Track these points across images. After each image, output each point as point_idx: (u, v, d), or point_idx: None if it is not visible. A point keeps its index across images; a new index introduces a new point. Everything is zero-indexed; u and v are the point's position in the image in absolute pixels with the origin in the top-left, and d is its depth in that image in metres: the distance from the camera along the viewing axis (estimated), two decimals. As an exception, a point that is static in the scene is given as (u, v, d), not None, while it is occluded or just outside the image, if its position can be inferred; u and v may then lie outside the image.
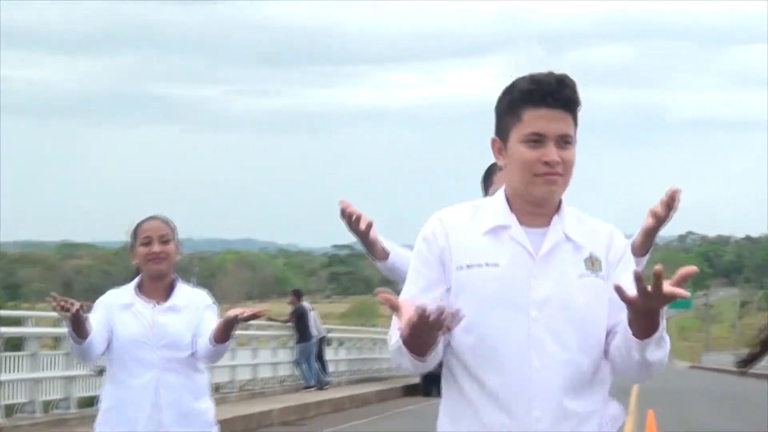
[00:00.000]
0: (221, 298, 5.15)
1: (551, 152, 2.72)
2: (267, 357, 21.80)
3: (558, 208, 2.81)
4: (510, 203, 2.81)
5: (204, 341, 4.80)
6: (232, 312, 4.72)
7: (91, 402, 14.71)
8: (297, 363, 22.13)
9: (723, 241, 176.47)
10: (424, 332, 2.57)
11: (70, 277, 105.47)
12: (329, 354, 24.45)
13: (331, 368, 23.95)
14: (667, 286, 2.56)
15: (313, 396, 19.83)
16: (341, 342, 26.83)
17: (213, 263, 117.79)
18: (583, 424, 2.77)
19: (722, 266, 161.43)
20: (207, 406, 4.97)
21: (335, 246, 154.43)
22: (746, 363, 5.26)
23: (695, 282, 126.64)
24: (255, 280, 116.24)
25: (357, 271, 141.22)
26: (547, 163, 2.73)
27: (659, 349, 2.69)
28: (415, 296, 2.76)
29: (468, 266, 2.75)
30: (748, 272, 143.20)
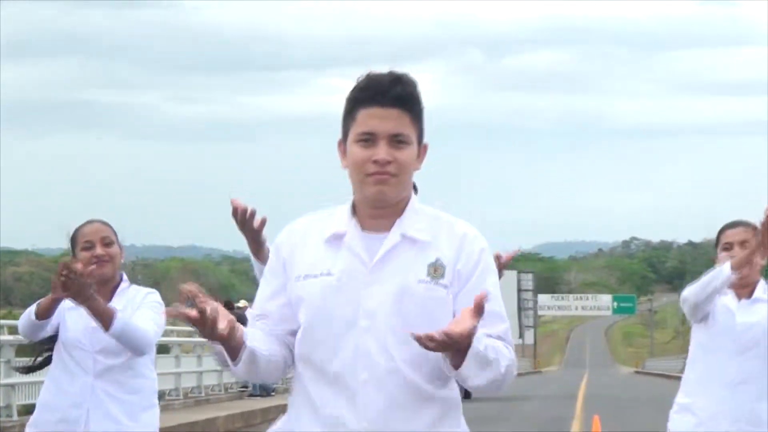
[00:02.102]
0: (166, 306, 5.00)
1: (380, 151, 2.65)
2: (212, 364, 21.60)
3: (403, 209, 2.73)
4: (355, 208, 2.75)
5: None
6: (55, 278, 4.40)
7: (32, 410, 14.52)
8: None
9: (666, 246, 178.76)
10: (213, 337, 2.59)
11: (10, 285, 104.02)
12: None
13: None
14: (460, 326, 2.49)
15: (259, 403, 19.71)
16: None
17: (157, 271, 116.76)
18: None
19: (665, 272, 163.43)
20: (146, 421, 4.73)
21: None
22: None
23: (639, 287, 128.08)
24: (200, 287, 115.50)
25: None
26: (376, 162, 2.66)
27: (483, 371, 2.57)
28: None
29: (305, 277, 2.71)
30: (691, 278, 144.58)
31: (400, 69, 2.72)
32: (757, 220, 4.67)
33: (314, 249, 2.73)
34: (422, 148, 2.77)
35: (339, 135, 2.78)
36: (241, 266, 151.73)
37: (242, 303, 22.84)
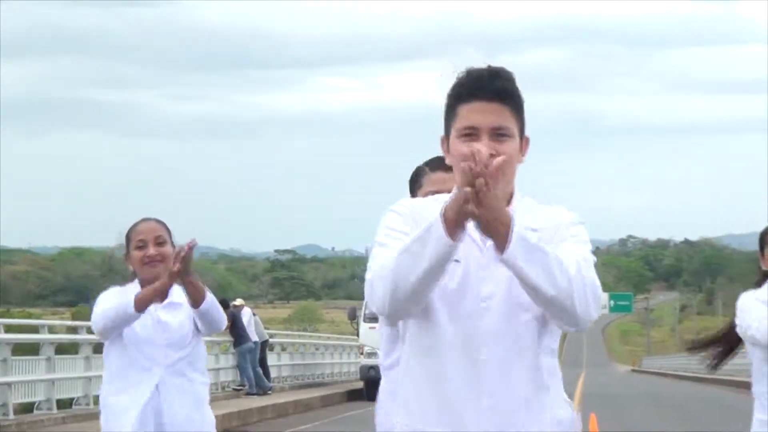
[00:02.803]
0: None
1: (482, 146, 2.66)
2: (209, 363, 21.60)
3: (509, 201, 2.78)
4: None
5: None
6: (169, 268, 4.54)
7: (30, 408, 14.49)
8: (239, 368, 21.99)
9: (663, 244, 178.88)
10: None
11: (6, 283, 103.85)
12: (272, 359, 24.32)
13: (273, 373, 23.82)
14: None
15: (256, 401, 19.69)
16: (284, 347, 26.70)
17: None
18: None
19: (662, 270, 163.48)
20: (209, 416, 4.85)
21: (277, 251, 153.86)
22: (716, 365, 5.33)
23: (636, 286, 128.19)
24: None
25: (299, 276, 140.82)
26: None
27: (533, 262, 2.57)
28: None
29: None
30: (688, 276, 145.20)
31: (497, 63, 2.76)
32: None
33: None
34: (524, 141, 2.80)
35: (441, 132, 2.82)
36: (238, 265, 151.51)
37: (239, 301, 22.81)
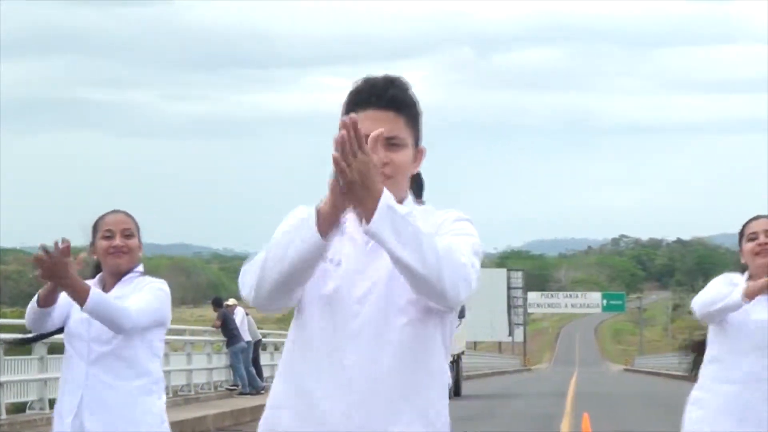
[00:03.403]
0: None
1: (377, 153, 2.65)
2: (202, 362, 21.60)
3: (401, 203, 2.73)
4: None
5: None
6: (36, 272, 4.40)
7: (22, 408, 14.46)
8: (232, 367, 21.98)
9: (655, 244, 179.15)
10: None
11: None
12: (265, 359, 24.31)
13: (266, 373, 23.81)
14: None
15: (249, 401, 19.67)
16: (276, 347, 26.69)
17: (146, 269, 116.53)
18: None
19: (655, 269, 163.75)
20: (144, 408, 4.65)
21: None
22: (693, 369, 5.36)
23: (628, 285, 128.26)
24: (189, 286, 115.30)
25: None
26: None
27: (400, 237, 2.52)
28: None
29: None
30: (680, 275, 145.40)
31: (394, 72, 2.76)
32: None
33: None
34: (418, 152, 2.80)
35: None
36: (231, 264, 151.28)
37: (231, 301, 22.80)
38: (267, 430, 2.80)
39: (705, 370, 4.99)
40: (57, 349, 15.24)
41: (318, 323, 2.72)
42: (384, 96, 2.71)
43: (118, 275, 4.69)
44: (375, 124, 2.69)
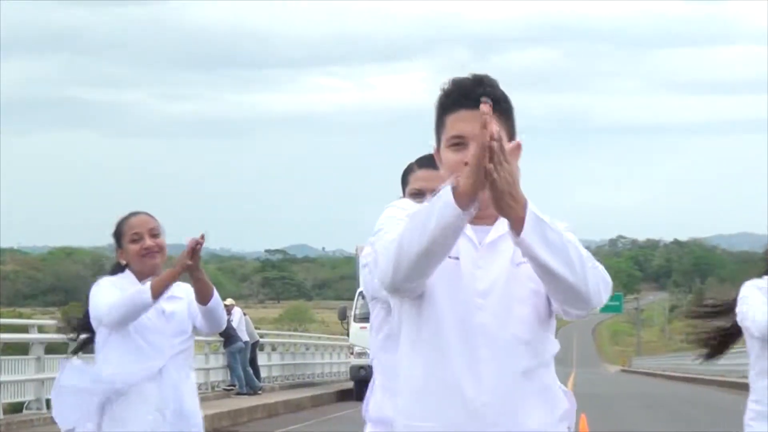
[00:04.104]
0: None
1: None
2: (199, 362, 21.60)
3: None
4: None
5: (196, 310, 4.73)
6: (183, 260, 4.51)
7: (19, 408, 14.46)
8: (230, 367, 21.98)
9: (652, 245, 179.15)
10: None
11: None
12: (262, 359, 24.30)
13: (264, 373, 23.80)
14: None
15: (246, 401, 19.67)
16: (274, 347, 26.68)
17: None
18: None
19: (652, 270, 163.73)
20: (197, 403, 4.86)
21: (268, 251, 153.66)
22: (711, 356, 5.31)
23: (625, 285, 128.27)
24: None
25: (290, 276, 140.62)
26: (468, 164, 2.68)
27: (547, 244, 2.57)
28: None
29: None
30: (677, 276, 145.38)
31: (487, 64, 2.80)
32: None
33: None
34: (515, 146, 2.79)
35: (431, 133, 2.84)
36: (228, 264, 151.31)
37: (229, 301, 22.78)
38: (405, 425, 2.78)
39: (761, 383, 4.88)
40: (54, 349, 15.25)
41: (445, 315, 2.72)
42: (474, 95, 2.70)
43: (151, 275, 4.70)
44: (468, 124, 2.70)
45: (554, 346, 2.84)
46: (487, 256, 2.75)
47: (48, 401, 14.58)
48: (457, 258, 2.73)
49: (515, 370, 2.73)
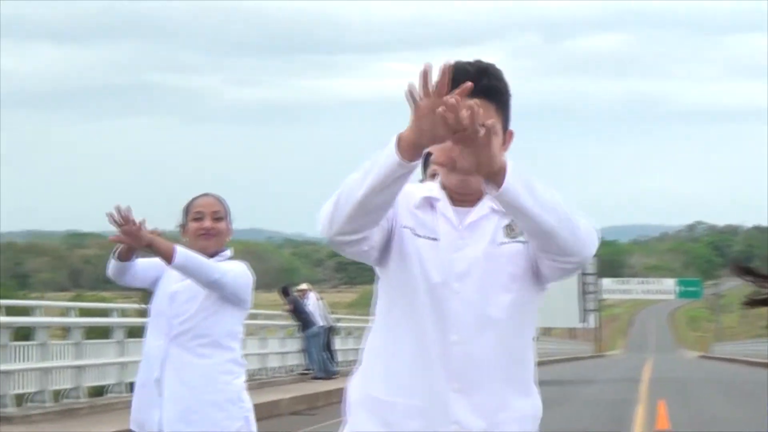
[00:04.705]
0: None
1: None
2: (275, 346, 21.78)
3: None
4: (442, 186, 2.81)
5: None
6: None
7: (101, 391, 14.73)
8: (306, 352, 22.15)
9: (732, 230, 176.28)
10: None
11: (78, 267, 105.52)
12: (337, 343, 24.44)
13: (339, 358, 23.94)
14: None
15: (322, 385, 19.80)
16: (349, 332, 26.81)
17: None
18: None
19: (732, 256, 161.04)
20: (222, 387, 4.72)
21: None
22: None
23: (704, 272, 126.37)
24: (261, 271, 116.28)
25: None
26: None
27: (533, 194, 2.52)
28: None
29: (412, 230, 2.75)
30: (758, 262, 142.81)
31: (485, 59, 2.75)
32: None
33: (412, 209, 2.77)
34: (507, 135, 2.79)
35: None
36: (303, 249, 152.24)
37: (304, 286, 22.95)
38: (363, 403, 2.79)
39: None
40: (135, 332, 15.53)
41: (421, 295, 2.72)
42: (476, 84, 2.63)
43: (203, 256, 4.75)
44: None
45: (531, 330, 2.78)
46: (467, 237, 2.73)
47: (129, 385, 14.85)
48: (436, 239, 2.72)
49: (489, 354, 2.70)
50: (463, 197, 2.77)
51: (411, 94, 2.49)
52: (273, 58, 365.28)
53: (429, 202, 2.78)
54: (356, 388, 2.85)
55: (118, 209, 4.53)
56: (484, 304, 2.71)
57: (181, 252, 4.60)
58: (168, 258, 4.58)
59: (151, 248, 4.61)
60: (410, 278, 2.73)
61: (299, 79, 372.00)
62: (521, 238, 2.73)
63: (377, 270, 2.82)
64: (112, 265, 4.80)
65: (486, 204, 2.75)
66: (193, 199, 4.87)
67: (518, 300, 2.73)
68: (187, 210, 4.84)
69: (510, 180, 2.51)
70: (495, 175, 2.52)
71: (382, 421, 2.75)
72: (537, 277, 2.76)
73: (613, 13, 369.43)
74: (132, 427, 4.90)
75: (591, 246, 2.64)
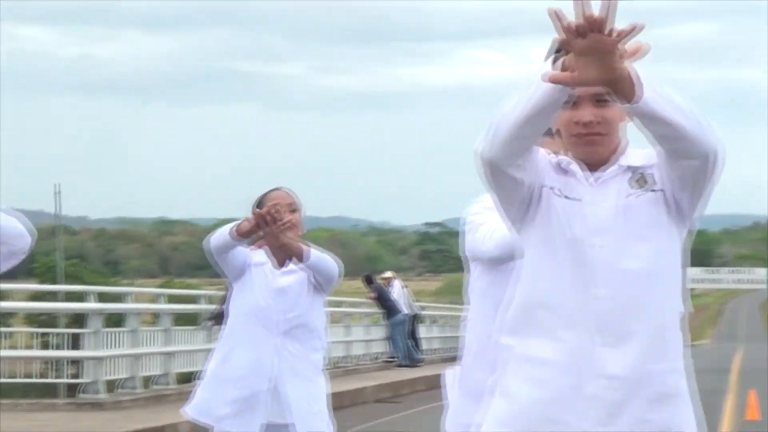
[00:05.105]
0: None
1: (584, 113, 2.73)
2: (360, 334, 21.90)
3: (615, 149, 2.81)
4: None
5: None
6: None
7: (189, 378, 14.95)
8: (391, 339, 22.23)
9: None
10: None
11: (166, 254, 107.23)
12: (422, 331, 24.47)
13: (424, 346, 23.97)
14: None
15: (407, 373, 19.85)
16: (434, 320, 26.82)
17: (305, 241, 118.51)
18: None
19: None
20: (321, 382, 4.96)
21: (427, 224, 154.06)
22: None
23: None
24: (346, 258, 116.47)
25: (448, 249, 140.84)
26: (581, 123, 2.75)
27: (666, 100, 2.59)
28: None
29: (551, 189, 2.82)
30: None
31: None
32: None
33: (552, 173, 2.83)
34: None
35: None
36: (388, 237, 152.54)
37: (389, 273, 23.03)
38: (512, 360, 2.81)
39: None
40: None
41: (561, 257, 2.76)
42: None
43: (281, 248, 4.86)
44: (581, 87, 2.70)
45: (676, 278, 2.80)
46: (602, 193, 2.76)
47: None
48: (575, 198, 2.77)
49: (632, 305, 2.73)
50: (590, 167, 2.81)
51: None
52: (357, 46, 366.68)
53: (563, 167, 2.82)
54: (503, 346, 2.86)
55: (277, 210, 4.67)
56: (624, 256, 2.74)
57: (313, 252, 4.80)
58: (300, 257, 4.77)
59: (283, 248, 4.75)
60: (553, 235, 2.78)
61: (385, 67, 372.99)
62: (654, 187, 2.77)
63: (519, 228, 2.85)
64: (222, 239, 4.82)
65: (615, 163, 2.79)
66: (267, 193, 4.95)
67: (658, 248, 2.77)
68: (260, 204, 4.90)
69: (645, 87, 2.56)
70: (619, 83, 2.55)
71: (533, 378, 2.77)
72: (678, 218, 2.79)
73: (703, 1, 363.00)
74: (200, 418, 5.01)
75: (715, 131, 2.67)
